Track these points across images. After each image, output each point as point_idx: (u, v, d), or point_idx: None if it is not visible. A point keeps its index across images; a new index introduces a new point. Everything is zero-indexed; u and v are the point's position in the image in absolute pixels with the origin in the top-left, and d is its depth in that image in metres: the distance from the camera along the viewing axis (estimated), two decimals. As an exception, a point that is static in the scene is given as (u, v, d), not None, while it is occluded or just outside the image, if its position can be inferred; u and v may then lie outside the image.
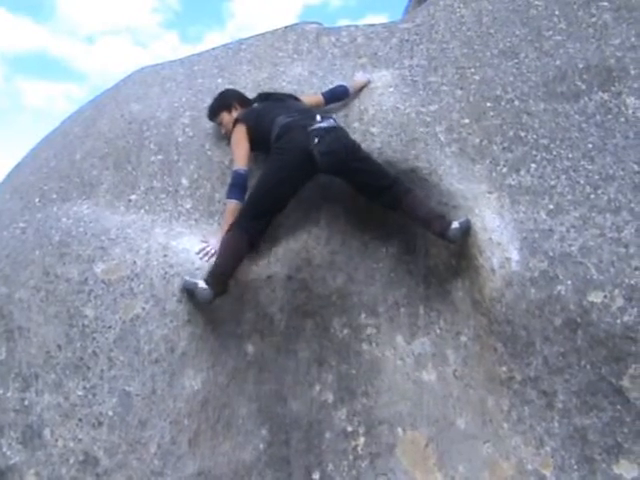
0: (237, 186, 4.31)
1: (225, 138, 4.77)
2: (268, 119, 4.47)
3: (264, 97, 4.85)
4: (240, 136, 4.51)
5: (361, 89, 4.96)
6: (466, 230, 4.10)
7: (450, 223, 4.10)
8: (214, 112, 4.84)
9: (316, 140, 4.19)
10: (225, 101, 4.83)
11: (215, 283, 3.96)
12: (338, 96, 4.89)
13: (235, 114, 4.72)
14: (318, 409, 4.25)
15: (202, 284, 3.92)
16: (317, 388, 4.30)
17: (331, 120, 4.46)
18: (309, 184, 4.40)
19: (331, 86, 5.01)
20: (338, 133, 4.35)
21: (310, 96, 4.94)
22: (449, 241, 4.14)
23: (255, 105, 4.77)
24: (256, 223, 4.19)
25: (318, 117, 4.42)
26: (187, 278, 4.02)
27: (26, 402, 3.70)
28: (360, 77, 5.03)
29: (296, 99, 4.84)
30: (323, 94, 4.85)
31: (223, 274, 4.05)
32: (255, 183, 4.33)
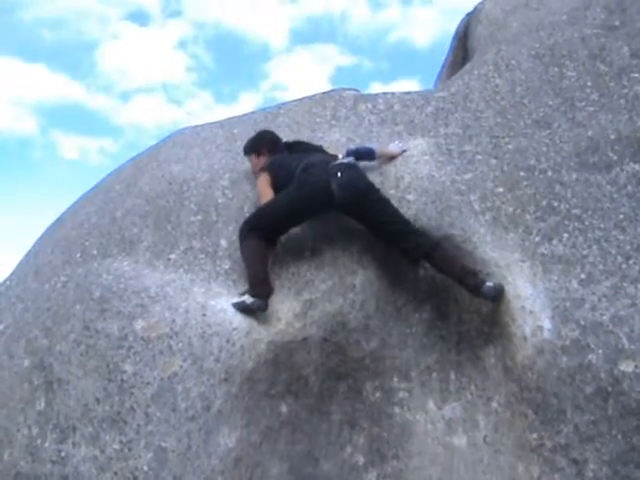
0: None
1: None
2: (291, 168, 4.70)
3: (292, 145, 5.11)
4: (264, 184, 4.78)
5: (393, 158, 5.03)
6: (500, 291, 4.16)
7: (484, 280, 4.18)
8: (246, 152, 5.21)
9: (338, 174, 4.40)
10: (255, 145, 5.16)
11: (258, 289, 4.24)
12: (361, 155, 4.91)
13: (262, 159, 5.02)
14: (349, 471, 4.24)
15: (249, 299, 4.19)
16: (348, 450, 4.29)
17: (351, 158, 4.68)
18: (346, 252, 4.54)
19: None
20: (358, 170, 4.55)
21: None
22: (483, 297, 4.21)
23: (280, 155, 4.99)
24: (263, 234, 4.42)
25: (340, 156, 4.73)
26: (234, 301, 4.25)
27: (63, 453, 3.75)
28: (394, 148, 5.11)
29: (323, 151, 5.03)
30: (347, 149, 4.92)
31: (260, 278, 4.29)
32: (270, 202, 4.61)
